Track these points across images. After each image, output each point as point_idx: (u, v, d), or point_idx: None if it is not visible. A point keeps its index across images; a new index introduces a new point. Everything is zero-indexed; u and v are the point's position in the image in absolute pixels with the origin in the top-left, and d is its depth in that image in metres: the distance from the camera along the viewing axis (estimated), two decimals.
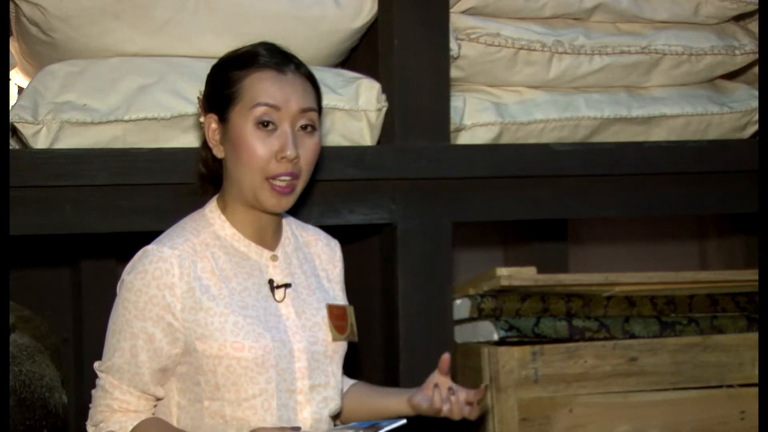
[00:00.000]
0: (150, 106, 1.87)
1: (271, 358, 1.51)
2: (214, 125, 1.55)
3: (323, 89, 1.94)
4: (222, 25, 1.94)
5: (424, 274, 1.99)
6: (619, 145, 2.12)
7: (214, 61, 1.95)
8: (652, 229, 3.08)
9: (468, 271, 2.46)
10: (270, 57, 1.55)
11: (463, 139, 2.08)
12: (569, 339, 2.15)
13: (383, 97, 1.99)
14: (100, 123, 1.84)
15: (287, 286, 1.57)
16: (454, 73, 2.05)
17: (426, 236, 1.99)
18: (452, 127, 2.03)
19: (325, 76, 1.99)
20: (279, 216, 1.59)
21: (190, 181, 1.85)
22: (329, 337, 1.59)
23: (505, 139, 2.11)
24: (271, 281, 1.56)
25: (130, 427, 1.51)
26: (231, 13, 1.94)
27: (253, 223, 1.56)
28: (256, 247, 1.57)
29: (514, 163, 2.03)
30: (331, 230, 2.26)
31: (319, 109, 1.59)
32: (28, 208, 1.76)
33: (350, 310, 1.65)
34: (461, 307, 2.17)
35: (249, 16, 1.95)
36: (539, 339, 2.15)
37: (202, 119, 1.57)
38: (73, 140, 1.84)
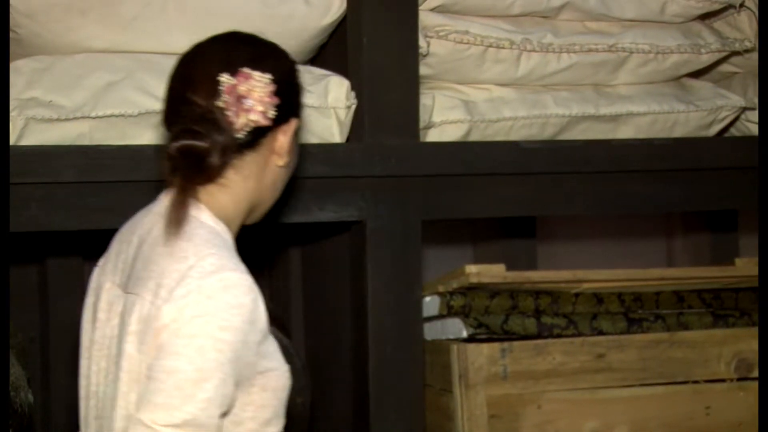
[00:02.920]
0: (117, 103, 1.85)
1: None
2: (294, 130, 1.43)
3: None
4: (190, 22, 1.93)
5: (393, 272, 1.99)
6: (587, 142, 2.13)
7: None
8: (619, 226, 3.10)
9: (437, 268, 2.47)
10: None
11: (432, 136, 2.08)
12: (538, 336, 2.15)
13: (352, 94, 1.99)
14: (66, 120, 1.83)
15: None
16: (423, 70, 2.05)
17: (395, 234, 1.99)
18: (421, 124, 2.04)
19: None
20: None
21: (158, 179, 1.84)
22: None
23: (474, 137, 2.11)
24: None
25: None
26: (199, 10, 1.93)
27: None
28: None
29: (483, 161, 2.04)
30: (301, 227, 2.26)
31: None
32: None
33: None
34: (430, 304, 2.17)
35: (218, 13, 1.94)
36: (508, 336, 2.15)
37: (276, 115, 1.38)
38: (38, 137, 1.82)
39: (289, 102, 1.41)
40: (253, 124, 1.37)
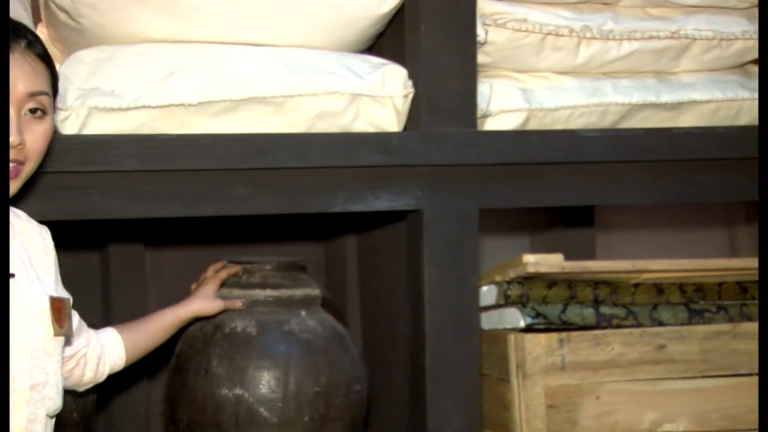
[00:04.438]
0: (176, 92, 1.87)
1: None
2: None
3: (349, 75, 1.96)
4: (248, 11, 1.94)
5: (450, 261, 1.99)
6: (648, 131, 2.10)
7: (240, 48, 1.96)
8: (680, 215, 3.06)
9: (494, 257, 2.45)
10: None
11: (490, 125, 2.07)
12: (596, 326, 2.14)
13: (410, 83, 1.98)
14: (127, 109, 1.85)
15: (10, 276, 1.48)
16: (480, 59, 2.04)
17: (452, 223, 1.98)
18: (479, 113, 2.03)
19: (351, 62, 1.99)
20: None
21: (216, 167, 1.86)
22: (50, 333, 1.51)
23: (532, 126, 2.09)
24: None
25: None
26: None
27: None
28: None
29: (541, 150, 2.02)
30: (357, 216, 2.27)
31: (54, 92, 1.52)
32: (57, 193, 1.78)
33: (69, 303, 1.58)
34: (487, 293, 2.16)
35: (275, 2, 1.95)
36: (566, 326, 2.14)
37: None
38: (100, 126, 1.85)
39: None
40: None
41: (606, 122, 2.14)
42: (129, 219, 1.90)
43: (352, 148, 1.92)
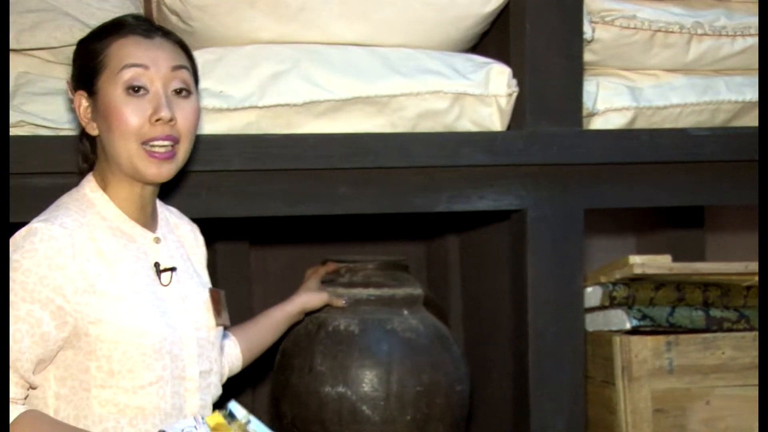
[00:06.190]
0: (283, 93, 1.90)
1: (167, 344, 1.49)
2: (84, 102, 1.51)
3: (452, 74, 1.95)
4: (353, 11, 1.95)
5: (554, 261, 1.96)
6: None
7: (345, 48, 1.98)
8: None
9: (599, 258, 2.42)
10: (136, 24, 1.53)
11: (596, 124, 2.03)
12: (706, 329, 2.08)
13: (514, 82, 1.97)
14: (235, 109, 1.89)
15: (173, 269, 1.55)
16: (587, 56, 2.01)
17: (557, 223, 1.96)
18: (585, 112, 2.00)
19: (455, 62, 1.99)
20: (156, 194, 1.58)
21: (321, 167, 1.88)
22: (212, 323, 1.58)
23: (640, 124, 2.05)
24: (156, 264, 1.54)
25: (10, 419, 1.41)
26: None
27: (136, 202, 1.54)
28: (141, 229, 1.54)
29: (649, 149, 1.98)
30: (460, 216, 2.26)
31: (195, 73, 1.56)
32: (167, 192, 1.82)
33: (223, 295, 1.63)
34: (592, 295, 2.13)
35: (380, 2, 1.95)
36: (674, 329, 2.09)
37: (75, 103, 1.53)
38: (209, 126, 1.89)
39: (75, 78, 1.54)
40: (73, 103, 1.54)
41: (717, 120, 2.08)
42: (235, 218, 1.93)
43: (455, 148, 1.91)
